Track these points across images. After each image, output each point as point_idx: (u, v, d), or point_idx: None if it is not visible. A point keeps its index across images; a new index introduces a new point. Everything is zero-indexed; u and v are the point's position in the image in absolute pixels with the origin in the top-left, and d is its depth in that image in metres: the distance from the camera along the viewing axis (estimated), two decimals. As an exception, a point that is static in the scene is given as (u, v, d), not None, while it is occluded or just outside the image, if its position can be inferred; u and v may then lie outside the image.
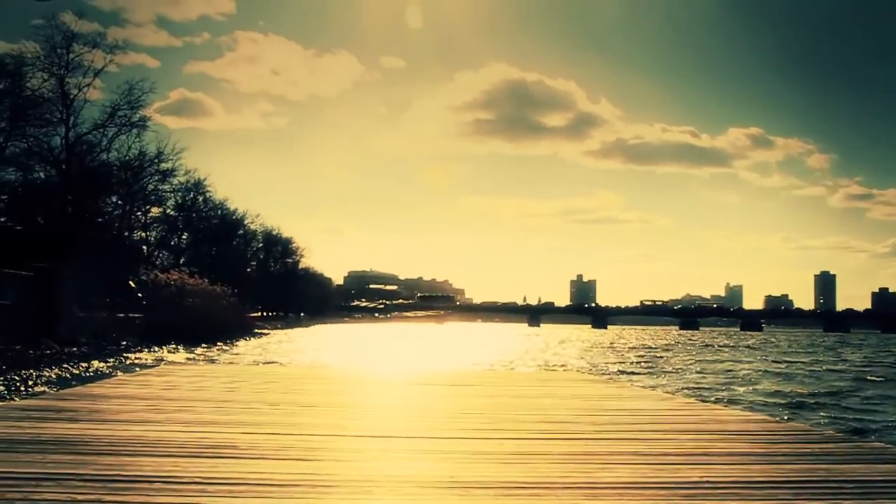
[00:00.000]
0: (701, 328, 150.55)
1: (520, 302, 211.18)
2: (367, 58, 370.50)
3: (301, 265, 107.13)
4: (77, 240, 42.15)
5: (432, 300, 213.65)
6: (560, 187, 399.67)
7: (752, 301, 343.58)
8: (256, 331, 54.85)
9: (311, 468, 3.27)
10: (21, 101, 43.68)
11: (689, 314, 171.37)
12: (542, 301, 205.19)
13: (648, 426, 4.73)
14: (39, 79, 44.81)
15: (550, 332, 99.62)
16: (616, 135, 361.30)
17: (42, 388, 15.38)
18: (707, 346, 52.84)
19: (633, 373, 25.14)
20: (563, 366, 27.99)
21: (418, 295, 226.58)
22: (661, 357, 35.70)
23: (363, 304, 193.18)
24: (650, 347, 48.03)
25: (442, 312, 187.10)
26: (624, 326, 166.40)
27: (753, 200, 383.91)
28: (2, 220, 45.95)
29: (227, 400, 5.67)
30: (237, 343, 38.51)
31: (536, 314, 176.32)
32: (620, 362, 30.84)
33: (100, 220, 51.24)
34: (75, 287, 30.88)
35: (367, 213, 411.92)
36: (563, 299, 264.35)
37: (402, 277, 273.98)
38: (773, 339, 74.78)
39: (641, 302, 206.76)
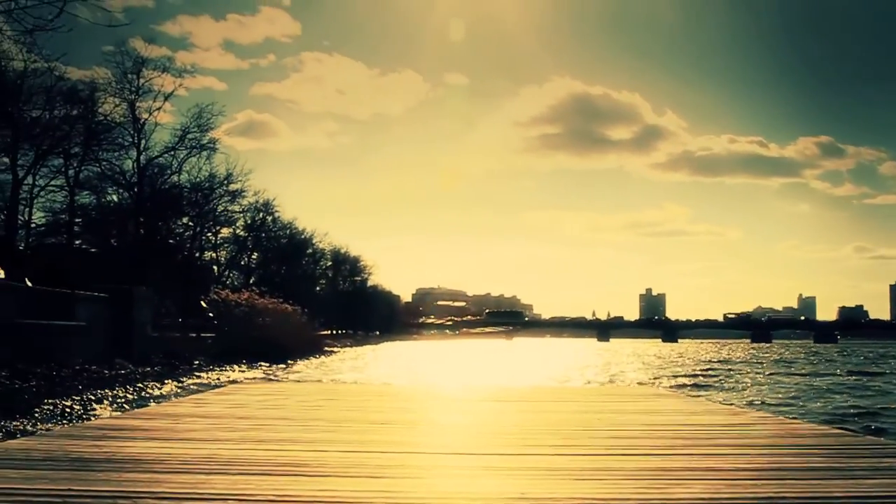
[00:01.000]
0: (773, 341, 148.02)
1: (588, 317, 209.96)
2: (430, 75, 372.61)
3: (369, 283, 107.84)
4: (150, 261, 42.82)
5: (500, 316, 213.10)
6: (627, 200, 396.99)
7: (826, 312, 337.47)
8: (326, 349, 55.11)
9: (382, 486, 3.23)
10: (94, 126, 44.60)
11: (761, 326, 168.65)
12: (612, 315, 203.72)
13: (721, 441, 4.59)
14: (111, 104, 45.74)
15: (620, 346, 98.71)
16: (682, 147, 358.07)
17: (117, 408, 15.53)
18: (780, 359, 51.81)
19: (704, 387, 24.71)
20: (635, 381, 27.63)
21: (486, 311, 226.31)
22: (732, 370, 35.08)
23: (431, 321, 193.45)
24: (722, 361, 47.27)
25: (510, 328, 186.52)
26: (695, 340, 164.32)
27: (825, 210, 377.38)
28: (77, 242, 46.91)
29: (299, 418, 5.60)
30: (307, 361, 38.68)
31: (606, 329, 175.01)
32: (691, 376, 30.35)
33: (171, 241, 52.07)
34: (148, 307, 31.29)
35: (434, 229, 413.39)
36: (632, 313, 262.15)
37: (470, 294, 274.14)
38: (847, 351, 73.16)
39: (724, 315, 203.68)
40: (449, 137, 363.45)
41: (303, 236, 75.81)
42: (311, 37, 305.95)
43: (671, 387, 23.70)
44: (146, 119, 47.12)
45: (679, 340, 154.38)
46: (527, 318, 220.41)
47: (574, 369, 35.44)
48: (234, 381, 22.37)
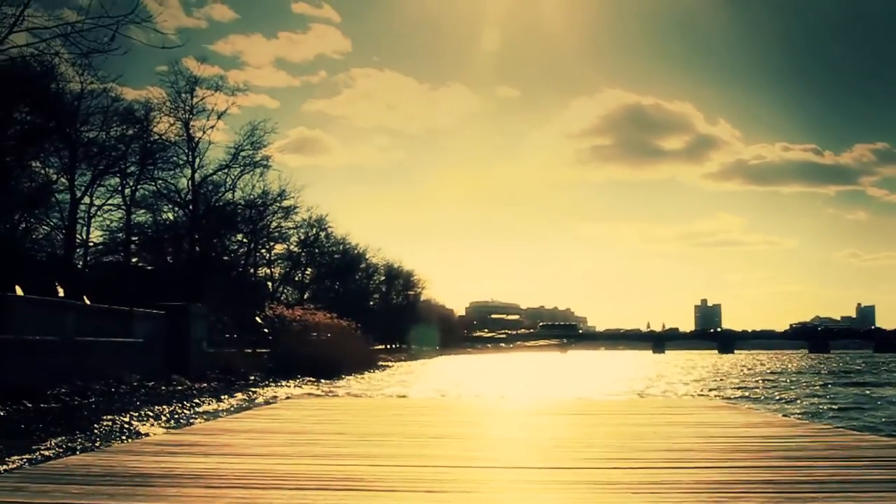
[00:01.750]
0: (832, 351, 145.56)
1: (643, 328, 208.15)
2: (481, 89, 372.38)
3: (422, 297, 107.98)
4: (205, 278, 43.24)
5: (554, 329, 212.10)
6: (680, 211, 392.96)
7: (887, 321, 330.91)
8: (380, 363, 55.21)
9: (439, 500, 3.25)
10: (149, 146, 45.25)
11: (818, 336, 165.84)
12: (666, 327, 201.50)
13: (779, 453, 4.49)
14: (166, 123, 46.35)
15: (675, 358, 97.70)
16: (736, 156, 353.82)
17: (174, 424, 15.63)
18: (839, 369, 50.94)
19: (761, 399, 24.36)
20: (690, 393, 27.32)
21: (540, 324, 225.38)
22: (790, 381, 34.57)
23: (485, 335, 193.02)
24: (779, 372, 46.61)
25: (564, 341, 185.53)
26: (751, 351, 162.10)
27: (883, 217, 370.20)
28: (133, 260, 47.55)
29: (354, 432, 5.58)
30: (362, 376, 38.77)
31: (661, 341, 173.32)
32: (747, 388, 29.95)
33: (226, 258, 52.55)
34: (204, 324, 31.56)
35: (487, 243, 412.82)
36: (687, 324, 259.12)
37: (523, 307, 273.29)
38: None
39: (790, 325, 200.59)
40: (500, 150, 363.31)
41: (356, 251, 76.15)
42: (362, 53, 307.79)
43: (727, 398, 23.39)
44: (200, 137, 47.68)
45: (735, 351, 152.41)
46: (581, 331, 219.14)
47: (628, 381, 35.14)
48: (289, 397, 22.45)
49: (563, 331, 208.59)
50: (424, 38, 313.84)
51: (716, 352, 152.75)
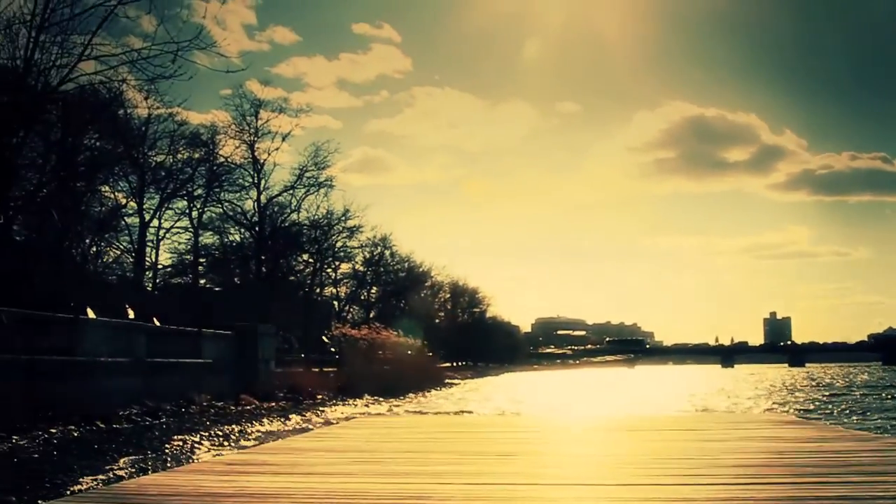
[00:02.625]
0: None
1: (711, 342, 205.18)
2: (542, 105, 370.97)
3: (488, 314, 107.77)
4: (272, 298, 43.59)
5: (621, 344, 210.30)
6: (746, 223, 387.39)
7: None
8: (447, 381, 55.15)
9: None
10: (216, 168, 45.84)
11: (892, 348, 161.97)
12: (735, 341, 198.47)
13: (853, 468, 4.37)
14: (232, 146, 46.94)
15: (745, 372, 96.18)
16: (802, 166, 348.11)
17: (244, 443, 15.70)
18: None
19: (833, 413, 23.83)
20: (760, 408, 26.84)
21: (607, 339, 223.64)
22: (863, 394, 33.82)
23: (551, 351, 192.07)
24: (852, 385, 45.63)
25: (631, 356, 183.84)
26: (822, 364, 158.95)
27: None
28: (202, 281, 48.14)
29: (422, 451, 5.52)
30: (429, 394, 38.75)
31: (729, 354, 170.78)
32: (820, 401, 29.35)
33: (292, 278, 52.95)
34: (272, 344, 31.77)
35: (551, 258, 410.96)
36: (756, 338, 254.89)
37: (590, 322, 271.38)
38: None
39: (868, 335, 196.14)
40: (562, 165, 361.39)
41: (421, 269, 76.26)
42: (422, 71, 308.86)
43: (799, 412, 22.93)
44: (265, 159, 48.21)
45: (806, 365, 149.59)
46: (648, 346, 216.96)
47: (696, 396, 34.67)
48: (356, 415, 22.48)
49: (629, 346, 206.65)
50: (484, 55, 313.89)
51: (786, 365, 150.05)
